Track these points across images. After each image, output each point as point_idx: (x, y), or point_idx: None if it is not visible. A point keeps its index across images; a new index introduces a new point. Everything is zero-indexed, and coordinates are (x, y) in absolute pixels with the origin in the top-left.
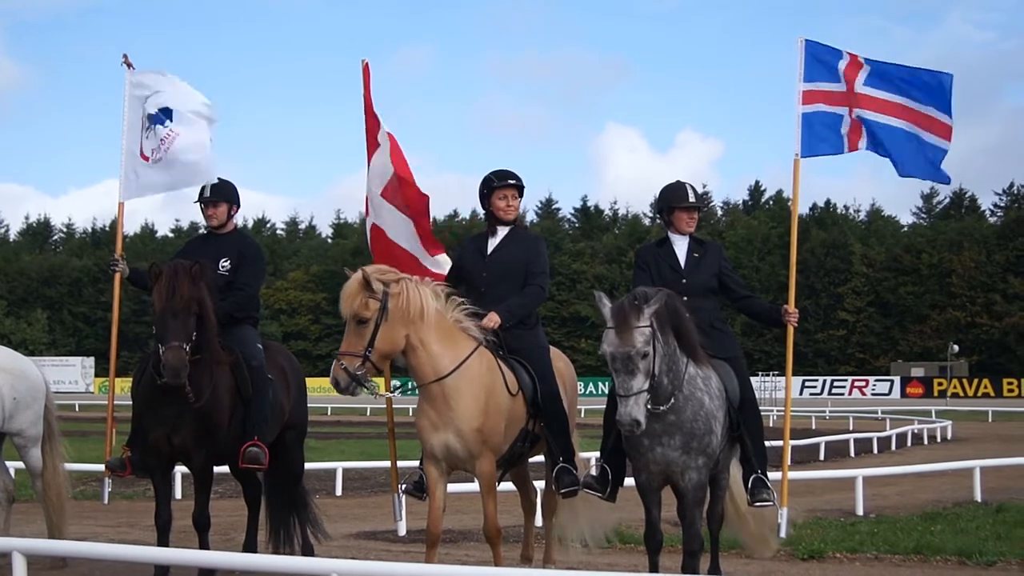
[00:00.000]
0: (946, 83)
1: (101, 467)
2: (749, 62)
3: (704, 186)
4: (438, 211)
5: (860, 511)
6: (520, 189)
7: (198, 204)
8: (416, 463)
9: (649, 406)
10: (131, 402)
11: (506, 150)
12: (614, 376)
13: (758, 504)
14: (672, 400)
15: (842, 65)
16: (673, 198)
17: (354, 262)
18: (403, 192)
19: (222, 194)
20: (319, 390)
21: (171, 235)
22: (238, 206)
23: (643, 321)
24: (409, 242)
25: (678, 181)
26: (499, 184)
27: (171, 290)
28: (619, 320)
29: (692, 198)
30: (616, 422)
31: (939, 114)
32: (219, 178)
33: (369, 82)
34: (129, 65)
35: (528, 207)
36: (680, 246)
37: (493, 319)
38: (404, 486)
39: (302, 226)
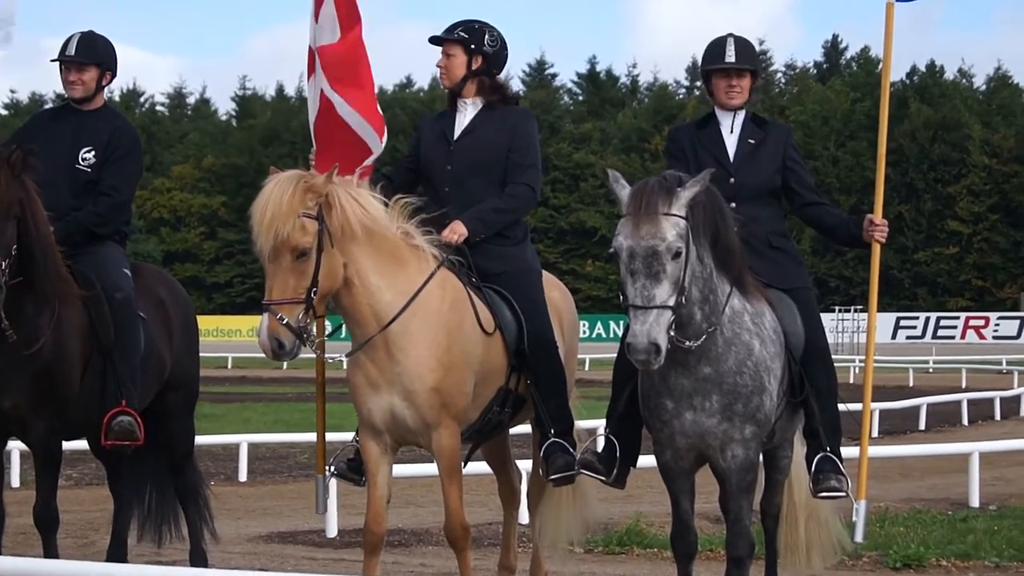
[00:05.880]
0: None
1: None
2: None
3: (761, 43)
4: (385, 78)
5: (975, 501)
6: (463, 43)
7: (57, 64)
8: (352, 435)
9: (673, 334)
10: None
11: None
12: (628, 282)
13: (824, 494)
14: (706, 340)
15: None
16: (708, 58)
17: (266, 154)
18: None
19: (92, 54)
20: (215, 333)
21: (4, 112)
22: (113, 74)
23: (676, 209)
24: (357, 120)
25: (721, 35)
26: (433, 39)
27: None
28: (642, 203)
29: (731, 56)
30: (626, 349)
31: None
32: (89, 31)
33: None
34: None
35: (511, 72)
36: (730, 128)
37: (456, 230)
38: (333, 467)
39: (191, 100)
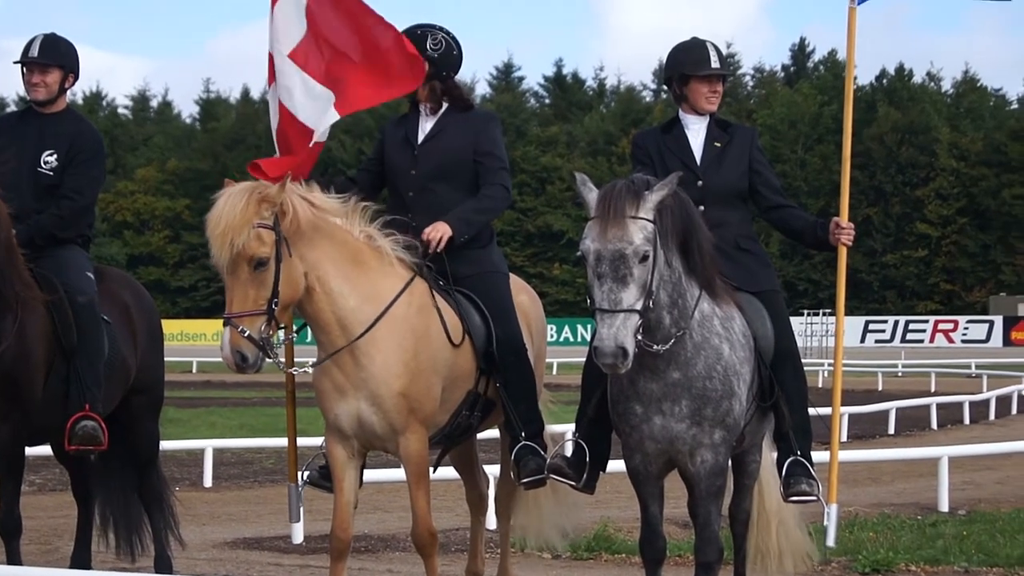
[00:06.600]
0: None
1: None
2: None
3: (729, 46)
4: None
5: (945, 506)
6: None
7: (19, 66)
8: (321, 440)
9: (640, 337)
10: None
11: None
12: (596, 286)
13: (795, 498)
14: (675, 344)
15: None
16: (688, 62)
17: (231, 157)
18: (331, 46)
19: (55, 56)
20: (180, 337)
21: None
22: (76, 76)
23: (643, 212)
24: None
25: (694, 38)
26: None
27: None
28: (609, 207)
29: (715, 63)
30: (593, 352)
31: None
32: (51, 33)
33: None
34: None
35: (478, 75)
36: (696, 132)
37: (440, 229)
38: (308, 474)
39: (155, 103)
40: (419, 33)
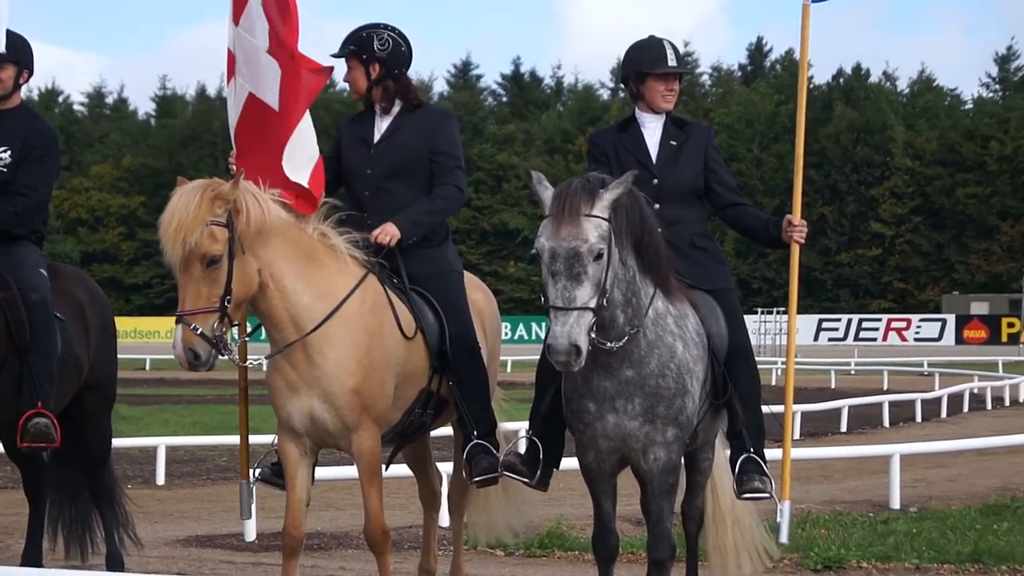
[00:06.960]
0: None
1: None
2: None
3: (686, 45)
4: None
5: (896, 503)
6: (356, 56)
7: None
8: (274, 438)
9: (594, 335)
10: None
11: None
12: (550, 284)
13: (748, 496)
14: (629, 342)
15: None
16: (645, 60)
17: (186, 154)
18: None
19: (9, 51)
20: (134, 334)
21: None
22: (30, 72)
23: (598, 210)
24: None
25: (652, 37)
26: (336, 54)
27: None
28: (564, 205)
29: (672, 61)
30: (546, 350)
31: None
32: (5, 29)
33: None
34: None
35: (436, 73)
36: (652, 131)
37: (389, 231)
38: (259, 471)
39: (110, 99)
40: (365, 35)
